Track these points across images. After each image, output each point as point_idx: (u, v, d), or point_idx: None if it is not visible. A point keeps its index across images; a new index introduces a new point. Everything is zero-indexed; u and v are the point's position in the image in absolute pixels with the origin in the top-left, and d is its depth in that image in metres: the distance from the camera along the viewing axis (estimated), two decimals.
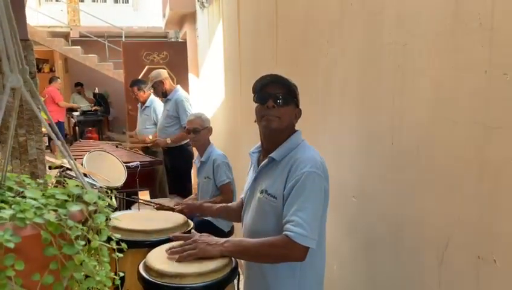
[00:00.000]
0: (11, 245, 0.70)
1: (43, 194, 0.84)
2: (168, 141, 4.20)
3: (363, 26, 1.65)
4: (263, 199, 1.51)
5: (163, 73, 4.38)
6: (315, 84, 2.08)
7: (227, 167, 2.88)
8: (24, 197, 0.85)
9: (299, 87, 1.55)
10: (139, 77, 5.84)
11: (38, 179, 0.98)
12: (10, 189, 0.91)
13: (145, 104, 4.84)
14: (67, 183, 0.89)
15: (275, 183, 1.48)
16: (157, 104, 4.77)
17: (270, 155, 1.52)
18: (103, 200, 0.91)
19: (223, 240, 1.47)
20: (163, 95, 4.36)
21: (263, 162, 1.55)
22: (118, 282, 0.93)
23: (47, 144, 6.71)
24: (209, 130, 2.99)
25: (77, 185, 0.89)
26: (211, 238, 1.50)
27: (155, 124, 4.70)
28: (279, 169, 1.49)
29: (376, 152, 1.60)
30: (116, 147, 4.08)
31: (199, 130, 2.91)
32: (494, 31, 1.03)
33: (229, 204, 1.96)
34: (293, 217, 1.35)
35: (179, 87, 4.46)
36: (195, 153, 3.30)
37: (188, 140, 4.36)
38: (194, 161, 3.19)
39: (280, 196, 1.45)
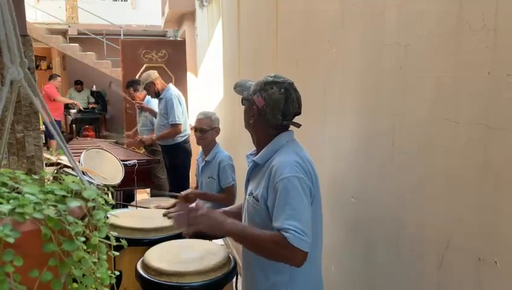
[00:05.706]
0: (11, 240, 0.69)
1: (41, 190, 0.83)
2: (154, 137, 4.27)
3: (364, 26, 1.64)
4: (250, 201, 1.53)
5: (153, 74, 4.42)
6: (315, 84, 2.07)
7: (232, 168, 2.89)
8: (19, 193, 0.83)
9: (299, 87, 1.54)
10: (137, 76, 5.84)
11: (33, 175, 0.96)
12: (4, 184, 0.89)
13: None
14: (63, 180, 0.88)
15: (258, 186, 1.49)
16: (153, 105, 4.80)
17: (253, 159, 1.53)
18: (101, 197, 0.89)
19: (229, 220, 1.44)
20: (156, 95, 4.39)
21: (250, 166, 1.57)
22: (113, 281, 0.92)
23: (43, 141, 6.68)
24: (216, 131, 2.96)
25: (74, 182, 0.88)
26: (216, 216, 1.46)
27: (152, 124, 4.72)
28: (262, 172, 1.50)
29: (376, 153, 1.59)
30: (116, 142, 4.10)
31: (206, 131, 2.88)
32: (498, 31, 1.03)
33: (228, 208, 1.95)
34: (285, 226, 1.32)
35: (170, 85, 4.49)
36: (193, 151, 3.29)
37: (185, 137, 4.39)
38: (197, 158, 3.17)
39: (261, 200, 1.45)
